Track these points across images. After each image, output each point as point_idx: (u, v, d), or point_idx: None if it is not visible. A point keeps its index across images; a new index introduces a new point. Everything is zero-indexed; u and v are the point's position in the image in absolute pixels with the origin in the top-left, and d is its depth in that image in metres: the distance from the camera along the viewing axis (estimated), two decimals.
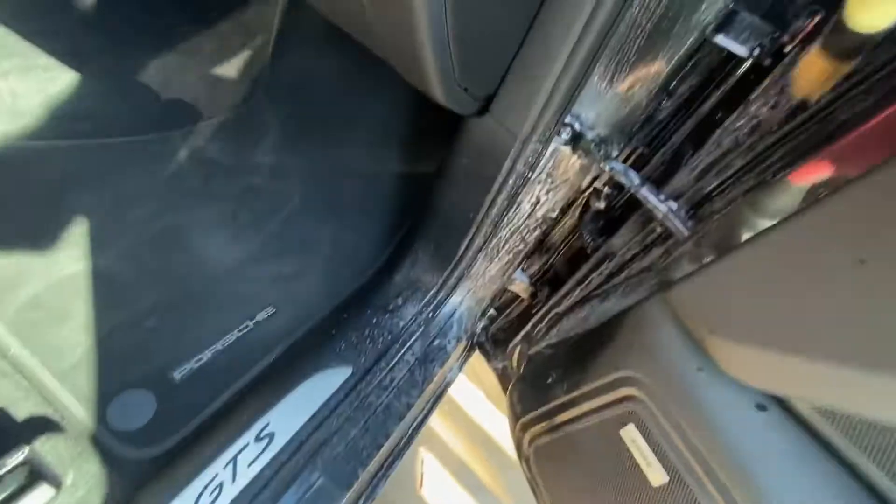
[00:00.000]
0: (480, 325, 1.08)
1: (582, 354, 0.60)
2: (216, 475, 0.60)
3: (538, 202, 0.72)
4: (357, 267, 0.94)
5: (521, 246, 0.81)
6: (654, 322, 0.48)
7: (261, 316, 0.80)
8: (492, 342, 1.07)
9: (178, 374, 0.69)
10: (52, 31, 0.89)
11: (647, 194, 0.55)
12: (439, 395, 0.99)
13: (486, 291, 0.92)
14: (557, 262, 0.96)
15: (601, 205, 0.76)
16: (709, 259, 0.44)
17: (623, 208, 0.77)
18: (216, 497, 0.58)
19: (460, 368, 1.06)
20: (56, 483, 0.50)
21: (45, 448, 0.53)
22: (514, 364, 0.97)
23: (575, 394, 0.56)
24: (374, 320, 0.84)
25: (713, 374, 0.42)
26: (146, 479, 0.60)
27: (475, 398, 1.59)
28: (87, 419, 0.61)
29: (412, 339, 0.85)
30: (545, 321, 0.81)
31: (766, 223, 0.43)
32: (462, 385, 1.60)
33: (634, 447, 0.47)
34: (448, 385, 1.03)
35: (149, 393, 0.66)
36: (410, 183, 1.07)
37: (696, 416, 0.42)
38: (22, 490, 0.48)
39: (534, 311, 0.92)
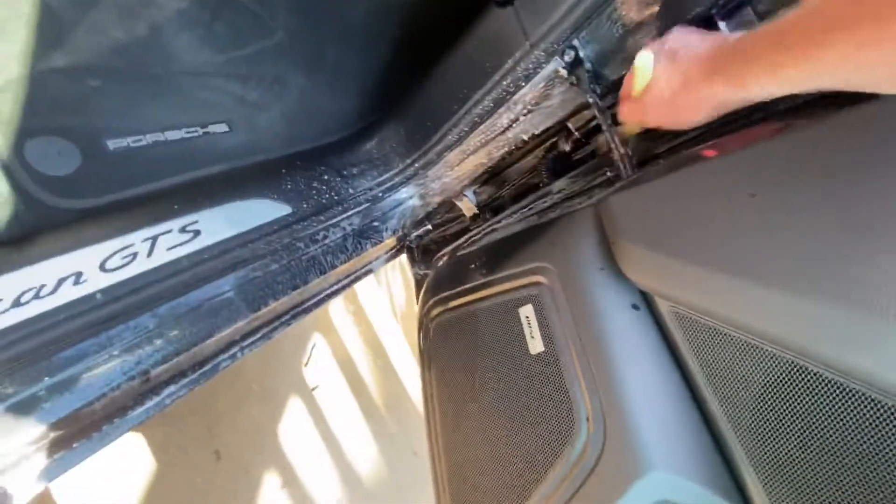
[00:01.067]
0: (416, 233, 1.13)
1: (507, 247, 0.67)
2: (132, 245, 0.59)
3: (516, 120, 0.76)
4: (322, 127, 0.93)
5: (486, 160, 0.86)
6: (579, 226, 0.56)
7: (213, 128, 0.77)
8: (421, 250, 1.13)
9: (111, 144, 0.65)
10: None
11: (613, 135, 0.62)
12: (358, 276, 1.03)
13: (437, 196, 0.97)
14: (507, 195, 1.03)
15: (567, 147, 0.83)
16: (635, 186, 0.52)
17: (583, 157, 0.85)
18: (126, 264, 0.58)
19: (385, 262, 1.11)
20: None
21: None
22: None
23: (491, 277, 0.64)
24: (326, 177, 0.85)
25: (610, 274, 0.51)
26: (54, 225, 0.58)
27: (381, 311, 1.67)
28: (1, 145, 0.56)
29: (355, 209, 0.88)
30: (480, 235, 0.88)
31: None
32: (373, 294, 1.66)
33: (526, 322, 0.55)
34: (369, 271, 1.07)
35: (76, 148, 0.62)
36: (400, 64, 1.06)
37: (585, 304, 0.51)
38: None
39: (471, 229, 0.98)
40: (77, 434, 0.59)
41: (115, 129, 0.66)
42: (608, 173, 0.68)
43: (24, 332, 0.50)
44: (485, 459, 0.57)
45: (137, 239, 0.60)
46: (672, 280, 0.44)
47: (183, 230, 0.64)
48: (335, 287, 0.95)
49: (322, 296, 0.93)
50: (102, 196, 0.62)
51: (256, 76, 0.88)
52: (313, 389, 1.43)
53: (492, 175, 1.06)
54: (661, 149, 0.64)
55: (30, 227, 0.56)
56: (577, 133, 0.80)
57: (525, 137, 0.80)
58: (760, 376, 0.41)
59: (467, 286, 0.70)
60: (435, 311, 0.77)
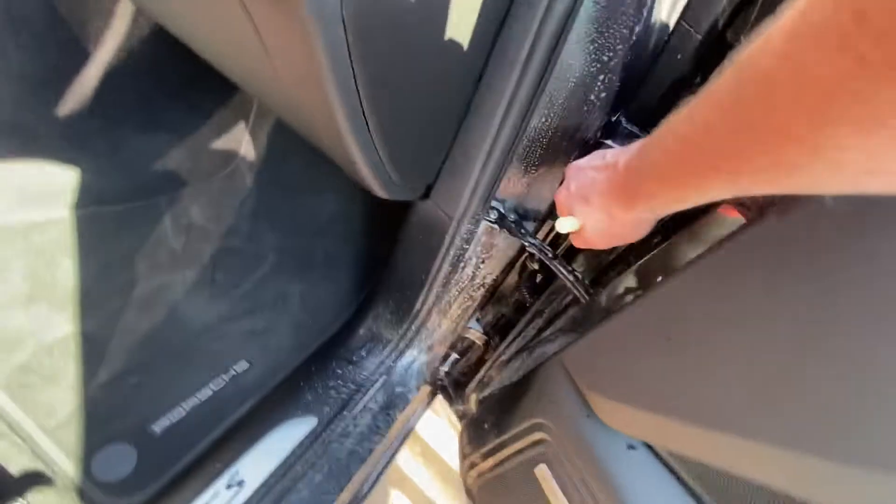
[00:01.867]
0: (444, 368, 1.17)
1: (507, 404, 0.69)
2: None
3: (478, 268, 0.83)
4: (324, 321, 1.04)
5: (470, 302, 0.92)
6: (555, 377, 0.58)
7: (235, 370, 0.88)
8: (453, 386, 1.16)
9: (157, 428, 0.76)
10: (51, 117, 1.00)
11: (557, 266, 0.67)
12: (403, 438, 1.07)
13: (443, 342, 1.02)
14: (508, 312, 1.07)
15: (535, 266, 0.88)
16: (590, 327, 0.56)
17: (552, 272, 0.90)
18: None
19: (424, 411, 1.15)
20: None
21: (36, 500, 0.60)
22: (472, 407, 1.06)
23: (503, 438, 0.66)
24: (339, 371, 0.93)
25: (596, 420, 0.52)
26: None
27: (445, 439, 1.66)
28: (73, 472, 0.67)
29: (374, 388, 0.94)
30: (494, 367, 0.91)
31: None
32: (432, 426, 1.66)
33: (545, 483, 0.56)
34: (411, 429, 1.11)
35: (130, 446, 0.73)
36: (375, 246, 1.18)
37: (585, 455, 0.52)
38: None
39: (486, 357, 1.02)
40: None
41: (157, 413, 0.78)
42: (568, 298, 0.72)
43: None
44: None
45: None
46: (642, 428, 0.45)
47: (229, 486, 0.71)
48: (383, 462, 0.99)
49: (374, 477, 0.97)
50: (159, 480, 0.71)
51: (260, 304, 1.01)
52: None
53: (488, 299, 1.11)
54: (606, 260, 0.68)
55: None
56: (535, 258, 0.86)
57: (493, 277, 0.86)
58: None
59: (486, 449, 0.72)
60: (470, 477, 0.78)
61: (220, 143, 1.20)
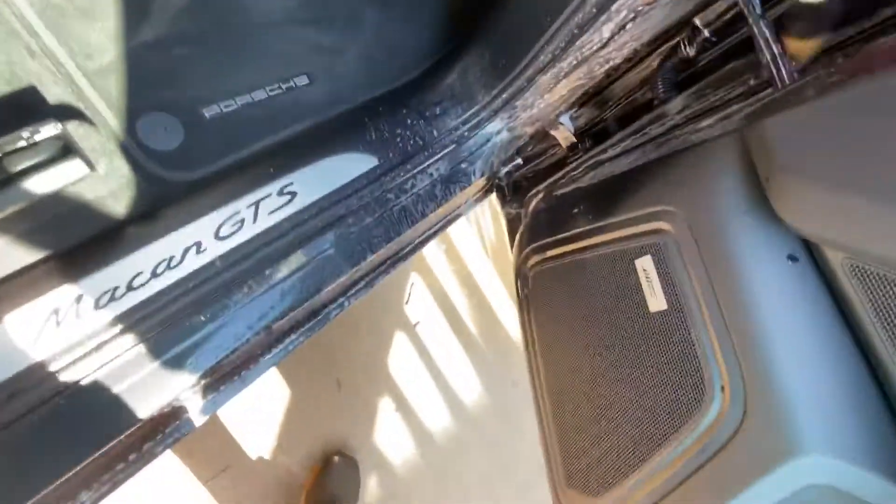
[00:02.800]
0: (505, 169, 1.06)
1: (618, 188, 0.58)
2: (239, 211, 0.62)
3: (622, 29, 0.63)
4: (399, 63, 0.87)
5: (585, 81, 0.74)
6: (718, 161, 0.45)
7: (295, 82, 0.76)
8: (512, 188, 1.06)
9: (207, 112, 0.67)
10: None
11: (763, 27, 0.48)
12: (449, 221, 1.01)
13: (528, 127, 0.87)
14: (610, 118, 0.90)
15: (691, 51, 0.67)
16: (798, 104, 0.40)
17: (709, 63, 0.69)
18: (237, 230, 0.62)
19: (475, 204, 1.07)
20: (90, 165, 0.51)
21: (78, 132, 0.53)
22: (530, 210, 0.97)
23: (600, 223, 0.57)
24: (409, 121, 0.80)
25: (758, 219, 0.41)
26: (173, 199, 0.62)
27: (472, 247, 1.66)
28: (116, 125, 0.60)
29: (441, 154, 0.83)
30: (582, 168, 0.78)
31: None
32: (463, 231, 1.65)
33: (644, 276, 0.48)
34: (459, 215, 1.04)
35: (178, 121, 0.65)
36: None
37: (724, 257, 0.42)
38: (57, 159, 0.49)
39: (569, 161, 0.88)
40: (222, 379, 0.68)
41: (207, 97, 0.68)
42: (752, 82, 0.54)
43: (165, 299, 0.56)
44: (596, 416, 0.54)
45: (242, 205, 0.63)
46: (854, 227, 0.33)
47: (281, 193, 0.65)
48: (427, 234, 0.94)
49: (416, 243, 0.93)
50: (207, 166, 0.65)
51: (329, 17, 0.83)
52: (415, 325, 1.52)
53: (592, 94, 0.92)
54: (835, 40, 0.48)
55: (152, 202, 0.60)
56: (706, 31, 0.64)
57: (636, 46, 0.66)
58: None
59: (571, 233, 0.63)
60: (533, 260, 0.72)
61: None
